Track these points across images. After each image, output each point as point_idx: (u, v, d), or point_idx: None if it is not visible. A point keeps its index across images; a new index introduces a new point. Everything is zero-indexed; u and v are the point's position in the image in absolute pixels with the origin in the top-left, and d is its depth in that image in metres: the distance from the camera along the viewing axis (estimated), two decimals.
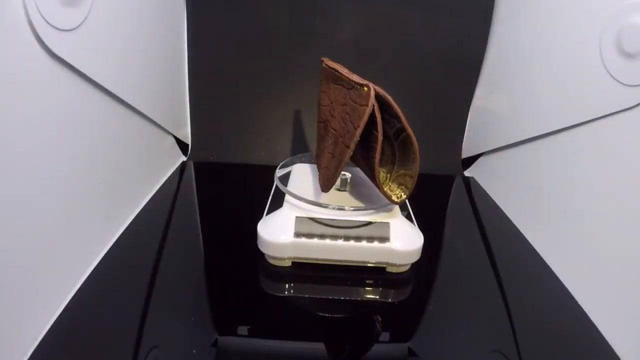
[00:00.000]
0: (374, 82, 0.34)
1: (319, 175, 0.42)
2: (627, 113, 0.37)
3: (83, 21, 0.34)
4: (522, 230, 0.49)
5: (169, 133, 0.59)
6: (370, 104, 0.32)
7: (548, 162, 0.47)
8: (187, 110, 0.65)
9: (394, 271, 0.41)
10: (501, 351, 0.33)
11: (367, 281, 0.40)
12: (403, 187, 0.38)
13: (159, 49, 0.53)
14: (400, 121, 0.35)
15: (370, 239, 0.39)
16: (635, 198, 0.35)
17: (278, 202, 0.42)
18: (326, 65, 0.42)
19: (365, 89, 0.33)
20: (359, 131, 0.33)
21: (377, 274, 0.41)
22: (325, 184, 0.39)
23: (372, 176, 0.37)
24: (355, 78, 0.36)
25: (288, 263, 0.40)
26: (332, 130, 0.39)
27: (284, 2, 0.61)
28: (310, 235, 0.39)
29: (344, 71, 0.38)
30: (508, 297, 0.39)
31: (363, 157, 0.39)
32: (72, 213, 0.35)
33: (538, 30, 0.50)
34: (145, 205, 0.49)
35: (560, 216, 0.44)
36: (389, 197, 0.38)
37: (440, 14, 0.61)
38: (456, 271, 0.44)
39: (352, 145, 0.34)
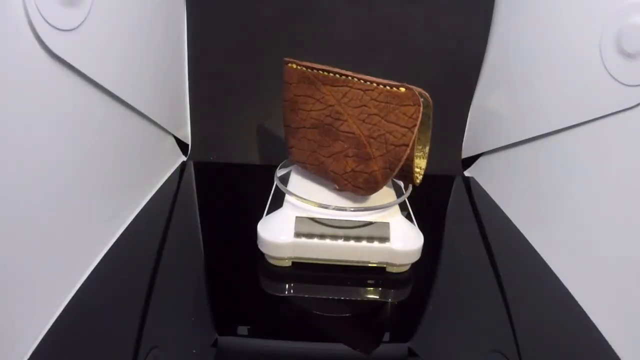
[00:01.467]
0: None
1: (342, 181, 0.41)
2: (627, 113, 0.37)
3: (83, 21, 0.34)
4: (522, 230, 0.49)
5: (169, 133, 0.59)
6: (420, 103, 0.34)
7: (548, 162, 0.47)
8: (187, 110, 0.65)
9: (394, 271, 0.41)
10: (501, 351, 0.33)
11: (367, 281, 0.40)
12: (417, 168, 0.42)
13: (159, 49, 0.53)
14: (429, 112, 0.39)
15: (370, 239, 0.39)
16: (636, 198, 0.35)
17: (278, 202, 0.42)
18: (302, 66, 0.41)
19: (402, 89, 0.35)
20: (416, 129, 0.35)
21: (377, 274, 0.40)
22: (371, 187, 0.39)
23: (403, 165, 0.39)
24: (368, 78, 0.37)
25: (288, 263, 0.40)
26: (347, 134, 0.39)
27: (284, 2, 0.61)
28: (310, 235, 0.39)
29: (345, 72, 0.38)
30: (508, 297, 0.39)
31: None
32: (72, 213, 0.35)
33: (538, 30, 0.50)
34: (145, 205, 0.49)
35: (560, 216, 0.44)
36: (413, 180, 0.41)
37: (440, 14, 0.61)
38: (456, 271, 0.44)
39: (411, 143, 0.35)
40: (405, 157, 0.36)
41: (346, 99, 0.38)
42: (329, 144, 0.41)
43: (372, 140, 0.37)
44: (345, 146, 0.40)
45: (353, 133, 0.39)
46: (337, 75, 0.39)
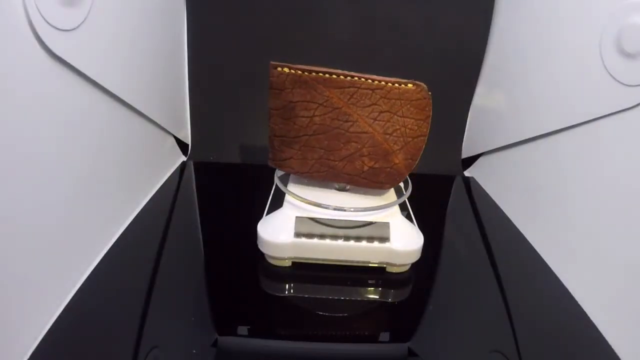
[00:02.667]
0: None
1: (360, 180, 0.41)
2: (627, 113, 0.37)
3: (83, 21, 0.34)
4: (522, 230, 0.49)
5: (169, 133, 0.59)
6: (430, 97, 0.38)
7: (548, 162, 0.47)
8: (187, 111, 0.65)
9: (394, 271, 0.41)
10: (501, 351, 0.33)
11: (367, 281, 0.40)
12: None
13: (159, 49, 0.53)
14: None
15: (370, 239, 0.39)
16: (635, 198, 0.35)
17: (278, 202, 0.42)
18: (297, 70, 0.39)
19: (410, 85, 0.38)
20: (430, 120, 0.39)
21: (377, 274, 0.41)
22: (395, 179, 0.41)
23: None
24: (375, 77, 0.38)
25: (288, 263, 0.40)
26: (359, 134, 0.39)
27: (284, 2, 0.61)
28: (310, 235, 0.39)
29: (350, 72, 0.38)
30: (508, 297, 0.39)
31: None
32: (72, 213, 0.35)
33: (538, 30, 0.50)
34: (145, 205, 0.49)
35: (560, 216, 0.44)
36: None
37: (440, 13, 0.61)
38: (456, 271, 0.44)
39: (427, 132, 0.39)
40: (424, 146, 0.39)
41: (354, 99, 0.38)
42: (339, 147, 0.40)
43: (387, 136, 0.39)
44: (359, 146, 0.40)
45: (366, 132, 0.39)
46: (342, 77, 0.38)
